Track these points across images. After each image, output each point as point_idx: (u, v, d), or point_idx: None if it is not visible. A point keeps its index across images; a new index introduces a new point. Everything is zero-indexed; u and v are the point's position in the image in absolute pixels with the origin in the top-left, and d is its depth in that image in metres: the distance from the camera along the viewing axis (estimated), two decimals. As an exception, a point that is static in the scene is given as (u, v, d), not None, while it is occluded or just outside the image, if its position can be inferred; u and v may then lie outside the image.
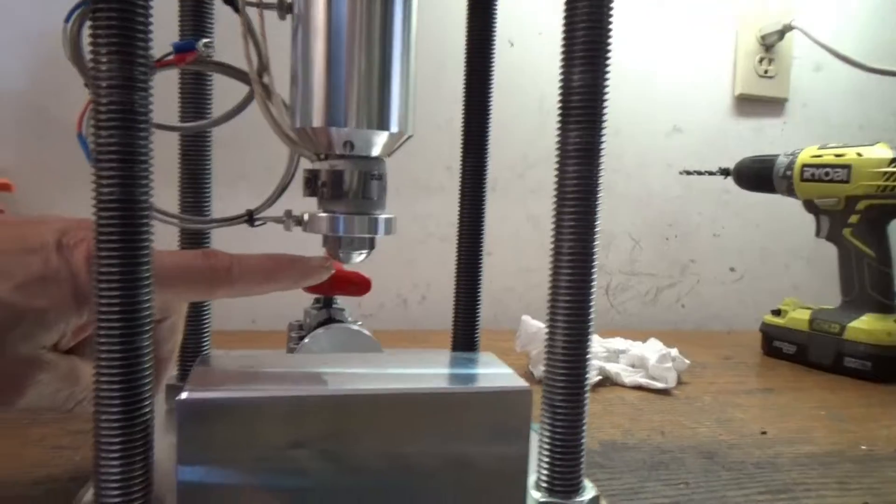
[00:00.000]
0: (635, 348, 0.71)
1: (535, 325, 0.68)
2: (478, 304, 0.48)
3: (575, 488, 0.30)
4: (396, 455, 0.27)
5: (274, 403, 0.25)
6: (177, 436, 0.25)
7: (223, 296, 0.32)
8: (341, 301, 0.55)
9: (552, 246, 0.30)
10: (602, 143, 0.29)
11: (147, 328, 0.25)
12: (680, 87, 1.03)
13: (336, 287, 0.49)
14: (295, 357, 0.35)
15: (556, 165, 0.29)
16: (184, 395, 0.25)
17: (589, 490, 0.30)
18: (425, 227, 0.94)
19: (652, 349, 0.69)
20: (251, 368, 0.29)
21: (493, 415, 0.28)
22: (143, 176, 0.25)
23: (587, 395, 0.30)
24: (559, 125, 0.29)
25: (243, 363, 0.29)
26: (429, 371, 0.30)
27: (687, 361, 0.68)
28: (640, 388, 0.65)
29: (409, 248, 0.93)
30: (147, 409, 0.26)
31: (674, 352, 0.68)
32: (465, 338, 0.48)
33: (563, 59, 0.29)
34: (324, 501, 0.26)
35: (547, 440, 0.30)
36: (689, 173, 0.94)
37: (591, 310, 0.30)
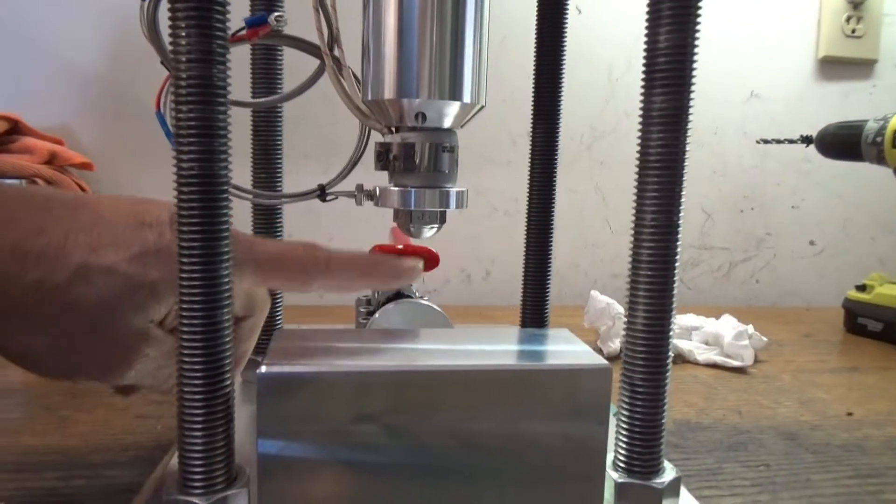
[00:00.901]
0: (709, 325, 0.68)
1: (604, 301, 0.67)
2: (548, 280, 0.47)
3: (654, 469, 0.29)
4: (472, 433, 0.26)
5: (351, 377, 0.25)
6: (257, 408, 0.25)
7: (318, 289, 0.33)
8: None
9: (633, 217, 0.29)
10: (690, 108, 0.27)
11: (227, 303, 0.26)
12: (758, 49, 0.97)
13: (405, 261, 0.49)
14: (368, 332, 0.35)
15: (640, 132, 0.28)
16: (263, 369, 0.25)
17: (669, 471, 0.29)
18: (490, 202, 0.93)
19: (727, 326, 0.67)
20: (327, 343, 0.29)
21: (570, 393, 0.27)
22: (222, 150, 0.25)
23: (668, 373, 0.29)
24: (643, 89, 0.27)
25: (318, 338, 0.30)
26: (503, 347, 0.30)
27: (764, 339, 0.65)
28: (714, 366, 0.63)
29: (474, 224, 0.92)
30: (227, 382, 0.26)
31: (750, 328, 0.66)
32: (534, 314, 0.47)
33: (649, 18, 0.27)
34: (397, 478, 0.26)
35: (625, 419, 0.29)
36: (766, 142, 0.89)
37: (674, 286, 0.28)
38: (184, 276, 0.25)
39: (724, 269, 1.01)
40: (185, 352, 0.25)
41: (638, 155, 0.28)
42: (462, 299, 0.93)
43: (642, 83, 0.28)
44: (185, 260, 0.25)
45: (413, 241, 0.45)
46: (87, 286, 0.28)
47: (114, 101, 0.85)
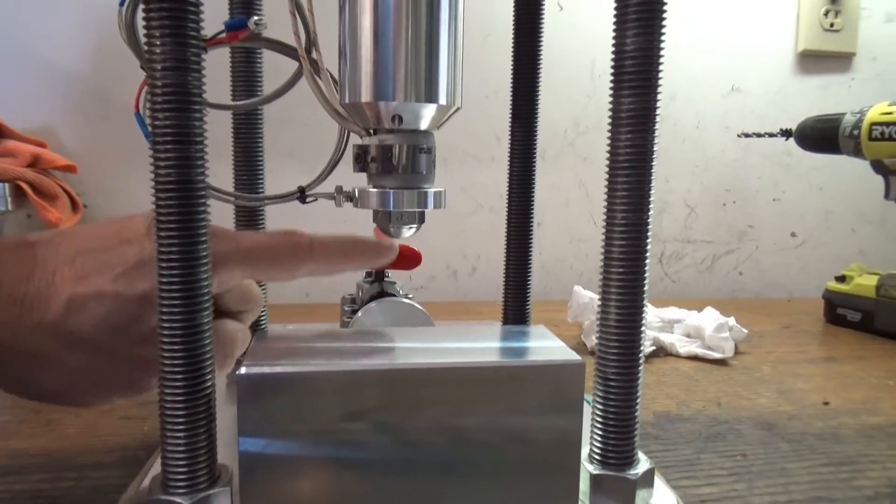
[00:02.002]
0: (691, 318, 0.69)
1: (587, 296, 0.67)
2: (528, 276, 0.47)
3: (629, 461, 0.30)
4: (450, 428, 0.27)
5: (331, 377, 0.26)
6: (237, 408, 0.25)
7: (304, 274, 0.33)
8: (392, 275, 0.55)
9: (605, 215, 0.29)
10: (657, 108, 0.28)
11: (206, 304, 0.26)
12: (738, 44, 0.98)
13: (387, 260, 0.49)
14: (349, 331, 0.36)
15: (609, 132, 0.28)
16: (243, 370, 0.25)
17: (643, 462, 0.30)
18: (475, 199, 0.94)
19: (708, 318, 0.68)
20: (307, 343, 0.29)
21: (545, 388, 0.28)
22: (198, 157, 0.25)
23: (641, 366, 0.30)
24: (612, 91, 0.28)
25: (300, 338, 0.30)
26: (481, 345, 0.30)
27: (745, 330, 0.67)
28: (695, 358, 0.64)
29: (459, 220, 0.93)
30: (209, 383, 0.26)
31: (731, 321, 0.67)
32: (515, 310, 0.48)
33: (616, 22, 0.28)
34: (379, 474, 0.27)
35: (600, 412, 0.30)
36: (747, 136, 0.90)
37: (645, 281, 0.29)
38: (163, 279, 0.25)
39: (707, 262, 1.02)
40: (166, 353, 0.26)
41: (607, 155, 0.29)
42: (448, 295, 0.94)
43: (611, 86, 0.28)
44: (163, 264, 0.25)
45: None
46: (81, 314, 0.29)
47: (97, 103, 0.85)
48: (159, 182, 0.25)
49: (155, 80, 0.25)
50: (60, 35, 0.83)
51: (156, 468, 0.36)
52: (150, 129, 0.32)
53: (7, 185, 0.70)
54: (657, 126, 0.28)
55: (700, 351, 0.64)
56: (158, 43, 0.24)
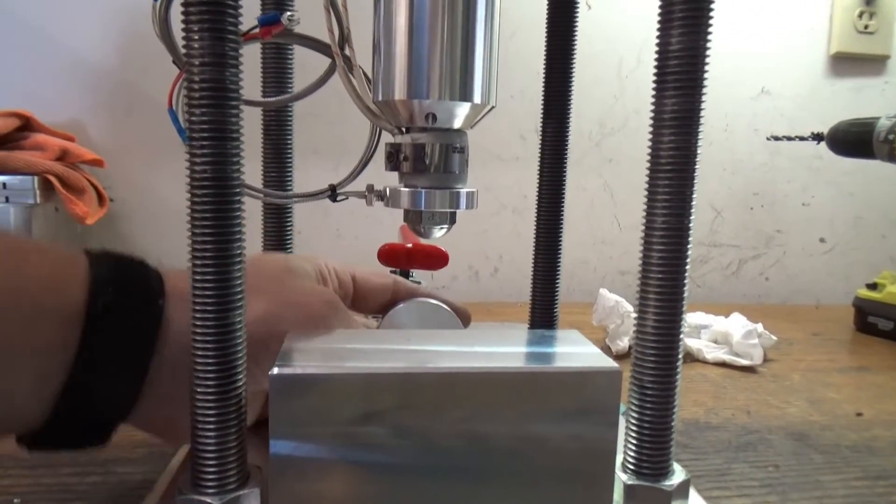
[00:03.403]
0: (718, 323, 0.68)
1: (613, 299, 0.66)
2: (557, 279, 0.47)
3: (664, 471, 0.29)
4: (481, 434, 0.26)
5: (364, 379, 0.26)
6: (269, 409, 0.25)
7: None
8: (416, 274, 0.55)
9: (644, 219, 0.28)
10: (702, 110, 0.27)
11: (239, 304, 0.26)
12: (769, 45, 0.97)
13: (414, 260, 0.49)
14: (378, 333, 0.35)
15: (651, 133, 0.28)
16: (275, 370, 0.25)
17: (678, 473, 0.29)
18: (498, 199, 0.93)
19: (736, 324, 0.66)
20: (340, 344, 0.29)
21: (580, 395, 0.27)
22: (234, 153, 0.25)
23: (679, 375, 0.29)
24: (654, 91, 0.27)
25: (330, 340, 0.30)
26: (513, 349, 0.30)
27: (773, 337, 0.65)
28: (723, 364, 0.63)
29: (482, 220, 0.92)
30: (240, 382, 0.26)
31: (759, 327, 0.65)
32: (542, 312, 0.47)
33: (661, 21, 0.27)
34: (409, 479, 0.26)
35: (635, 421, 0.29)
36: (777, 139, 0.88)
37: (685, 288, 0.28)
38: (196, 277, 0.25)
39: (733, 267, 1.00)
40: (198, 352, 0.25)
41: (648, 156, 0.28)
42: (470, 296, 0.93)
43: (653, 85, 0.28)
44: (197, 262, 0.25)
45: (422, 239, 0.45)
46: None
47: (124, 98, 0.85)
48: (195, 178, 0.25)
49: (193, 76, 0.24)
50: (88, 30, 0.84)
51: (179, 465, 0.36)
52: (185, 124, 0.31)
53: (36, 178, 0.71)
54: (701, 130, 0.27)
55: (728, 357, 0.63)
56: (197, 38, 0.24)
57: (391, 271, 0.53)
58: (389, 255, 0.48)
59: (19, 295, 0.25)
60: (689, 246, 0.28)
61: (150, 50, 0.82)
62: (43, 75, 0.84)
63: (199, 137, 0.24)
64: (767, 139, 0.89)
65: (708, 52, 0.27)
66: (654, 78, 0.28)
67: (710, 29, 0.27)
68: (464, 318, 0.41)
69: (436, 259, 0.49)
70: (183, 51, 0.25)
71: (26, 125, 0.76)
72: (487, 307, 0.87)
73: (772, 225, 1.00)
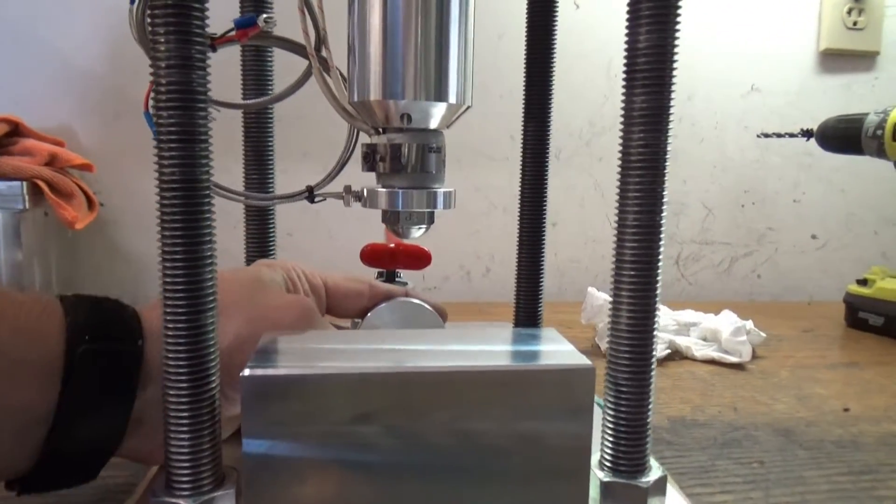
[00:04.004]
0: (707, 321, 0.68)
1: (602, 298, 0.66)
2: (541, 277, 0.47)
3: (640, 468, 0.29)
4: (458, 432, 0.26)
5: (337, 379, 0.26)
6: (241, 410, 0.25)
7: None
8: (405, 275, 0.55)
9: (616, 216, 0.29)
10: (670, 107, 0.27)
11: (211, 305, 0.26)
12: (758, 43, 0.97)
13: (398, 260, 0.49)
14: (358, 333, 0.35)
15: (621, 132, 0.28)
16: (247, 372, 0.25)
17: (655, 470, 0.30)
18: (489, 199, 0.93)
19: (725, 321, 0.66)
20: (315, 344, 0.29)
21: (555, 393, 0.27)
22: (203, 155, 0.25)
23: (653, 372, 0.29)
24: (624, 89, 0.27)
25: (307, 339, 0.30)
26: (490, 348, 0.30)
27: (763, 334, 0.65)
28: (711, 362, 0.63)
29: (473, 220, 0.92)
30: (213, 384, 0.26)
31: (748, 324, 0.65)
32: (527, 311, 0.47)
33: (629, 18, 0.27)
34: (386, 478, 0.26)
35: (611, 418, 0.29)
36: (767, 136, 0.88)
37: (657, 284, 0.28)
38: (167, 279, 0.25)
39: (724, 264, 1.01)
40: (170, 354, 0.25)
41: (619, 154, 0.28)
42: (462, 296, 0.93)
43: (623, 84, 0.28)
44: (168, 264, 0.25)
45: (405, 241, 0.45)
46: None
47: (113, 102, 0.85)
48: (164, 180, 0.25)
49: (159, 79, 0.24)
50: (77, 36, 0.84)
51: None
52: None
53: (25, 183, 0.71)
54: (672, 126, 0.27)
55: (716, 355, 0.63)
56: (163, 41, 0.24)
57: (378, 273, 0.53)
58: (372, 256, 0.48)
59: None
60: (661, 243, 0.28)
61: (139, 54, 0.82)
62: (32, 80, 0.84)
63: (166, 140, 0.25)
64: (758, 136, 0.89)
65: (676, 49, 0.27)
66: (624, 76, 0.28)
67: (677, 27, 0.27)
68: (441, 315, 0.41)
69: (419, 259, 0.49)
70: (151, 54, 0.25)
71: (15, 130, 0.76)
72: (479, 307, 0.87)
73: (763, 222, 1.01)
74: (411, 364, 0.27)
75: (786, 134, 0.86)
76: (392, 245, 0.48)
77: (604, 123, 0.94)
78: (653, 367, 0.29)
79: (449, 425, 0.26)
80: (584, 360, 0.27)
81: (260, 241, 0.44)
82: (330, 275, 0.37)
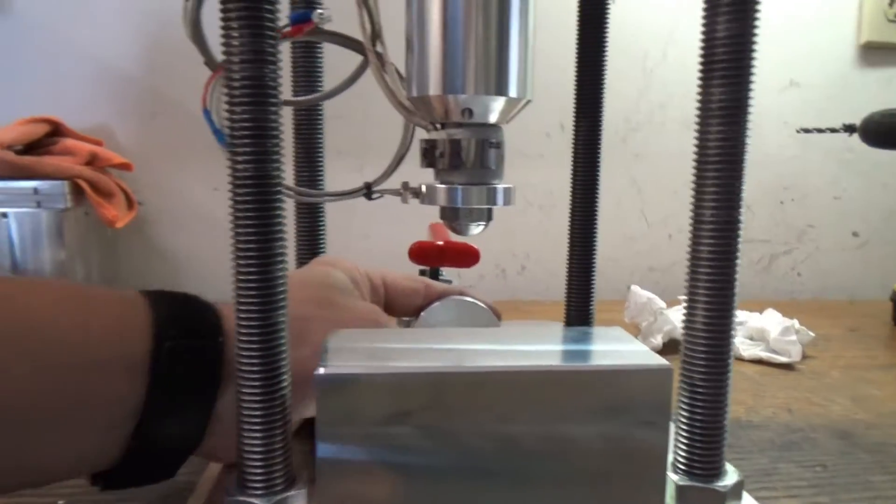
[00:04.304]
0: (753, 320, 0.67)
1: (645, 296, 0.65)
2: (592, 276, 0.46)
3: (716, 471, 0.28)
4: (531, 434, 0.26)
5: (413, 378, 0.25)
6: (316, 409, 0.25)
7: None
8: (446, 273, 0.54)
9: (692, 213, 0.28)
10: (750, 99, 0.26)
11: (282, 304, 0.25)
12: (797, 36, 0.95)
13: (445, 258, 0.49)
14: (422, 331, 0.35)
15: (697, 125, 0.27)
16: (321, 370, 0.25)
17: (731, 474, 0.29)
18: (524, 197, 0.92)
19: (772, 321, 0.65)
20: (384, 343, 0.28)
21: (631, 394, 0.26)
22: (274, 151, 0.25)
23: (730, 374, 0.28)
24: (701, 81, 0.27)
25: (373, 339, 0.29)
26: (560, 347, 0.29)
27: (811, 334, 0.64)
28: (759, 361, 0.62)
29: (508, 218, 0.92)
30: (285, 384, 0.26)
31: (796, 323, 0.64)
32: (578, 310, 0.46)
33: (706, 7, 0.26)
34: (456, 480, 0.26)
35: (685, 421, 0.28)
36: (807, 131, 0.86)
37: (735, 283, 0.28)
38: (240, 277, 0.25)
39: (764, 262, 0.99)
40: (243, 353, 0.25)
41: (695, 149, 0.27)
42: (497, 294, 0.92)
43: (699, 76, 0.27)
44: (241, 262, 0.25)
45: (452, 237, 0.44)
46: None
47: (149, 102, 0.86)
48: (237, 178, 0.24)
49: (232, 73, 0.24)
50: (115, 36, 0.85)
51: (218, 466, 0.36)
52: (220, 124, 0.31)
53: (66, 182, 0.71)
54: (750, 120, 0.27)
55: (765, 354, 0.62)
56: (236, 35, 0.24)
57: (420, 270, 0.53)
58: (421, 254, 0.47)
59: (86, 349, 0.25)
60: (739, 240, 0.27)
61: (175, 54, 0.83)
62: (70, 81, 0.85)
63: (239, 136, 0.24)
64: (797, 132, 0.88)
65: (756, 39, 0.26)
66: (700, 67, 0.27)
67: (757, 14, 0.26)
68: (496, 314, 0.41)
69: (467, 256, 0.48)
70: (221, 49, 0.24)
71: (55, 131, 0.77)
72: (515, 305, 0.86)
73: (803, 219, 0.99)
74: (489, 364, 0.26)
75: (826, 129, 0.84)
76: (440, 243, 0.47)
77: (639, 119, 0.93)
78: (730, 368, 0.28)
79: (524, 427, 0.26)
80: (661, 361, 0.27)
81: (310, 238, 0.44)
82: (387, 273, 0.37)
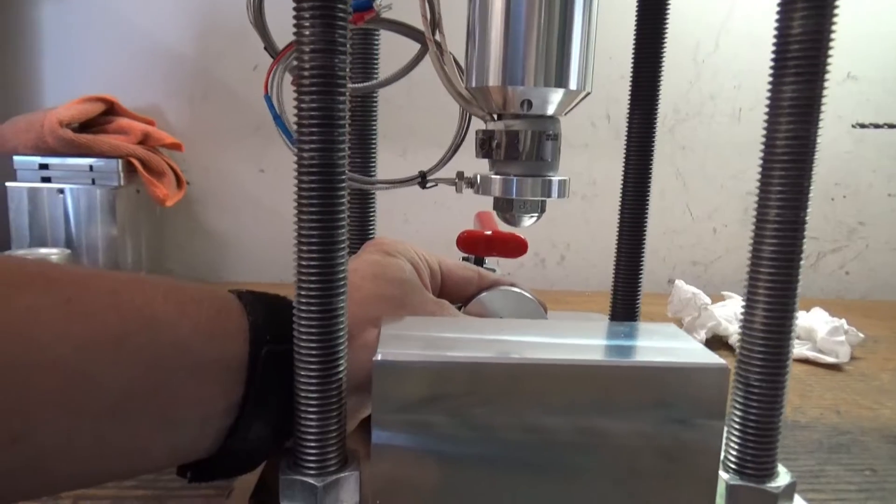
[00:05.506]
0: (800, 318, 0.65)
1: (690, 291, 0.65)
2: (640, 269, 0.46)
3: (769, 472, 0.28)
4: (583, 428, 0.26)
5: (467, 367, 0.26)
6: (372, 394, 0.25)
7: None
8: (488, 262, 0.55)
9: (755, 211, 0.27)
10: (823, 97, 0.26)
11: (342, 290, 0.26)
12: (854, 27, 0.91)
13: (493, 248, 0.49)
14: (474, 321, 0.35)
15: (766, 122, 0.26)
16: (379, 357, 0.25)
17: (783, 475, 0.28)
18: (566, 185, 0.91)
19: (819, 320, 0.64)
20: (436, 332, 0.29)
21: (688, 392, 0.26)
22: (341, 140, 0.25)
23: (787, 375, 0.28)
24: (772, 77, 0.26)
25: (426, 327, 0.30)
26: (616, 342, 0.29)
27: (861, 335, 0.62)
28: (806, 361, 0.61)
29: (549, 207, 0.91)
30: (342, 367, 0.26)
31: (844, 323, 0.63)
32: (624, 303, 0.46)
33: (781, 3, 0.26)
34: (508, 470, 0.26)
35: (739, 420, 0.28)
36: (863, 126, 0.84)
37: (797, 283, 0.27)
38: (302, 262, 0.25)
39: (811, 260, 0.96)
40: (303, 337, 0.26)
41: (762, 145, 0.27)
42: (536, 284, 0.93)
43: (771, 71, 0.26)
44: (304, 247, 0.25)
45: (500, 226, 0.44)
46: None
47: (200, 84, 0.87)
48: (303, 165, 0.25)
49: (303, 62, 0.24)
50: (168, 18, 0.86)
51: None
52: (279, 109, 0.32)
53: (120, 161, 0.73)
54: (822, 118, 0.26)
55: (812, 354, 0.60)
56: (308, 24, 0.24)
57: (463, 258, 0.53)
58: (469, 243, 0.47)
59: (182, 349, 0.26)
60: (803, 240, 0.27)
61: (227, 37, 0.84)
62: (123, 61, 0.87)
63: (308, 124, 0.25)
64: (853, 126, 0.85)
65: (833, 36, 0.25)
66: (772, 63, 0.26)
67: (836, 10, 0.25)
68: (542, 306, 0.41)
69: (514, 246, 0.48)
70: (293, 37, 0.25)
71: (110, 109, 0.78)
72: (554, 295, 0.86)
73: (854, 216, 0.96)
74: (544, 356, 0.26)
75: (884, 125, 0.81)
76: (488, 232, 0.48)
77: (689, 110, 0.91)
78: (788, 370, 0.27)
79: (576, 421, 0.26)
80: (717, 360, 0.26)
81: (361, 224, 0.44)
82: (443, 259, 0.37)
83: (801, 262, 0.27)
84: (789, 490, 0.28)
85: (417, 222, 0.91)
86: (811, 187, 0.27)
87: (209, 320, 0.26)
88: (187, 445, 0.27)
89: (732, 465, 0.28)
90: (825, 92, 0.23)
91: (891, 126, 0.80)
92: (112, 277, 0.26)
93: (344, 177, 0.26)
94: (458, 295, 0.38)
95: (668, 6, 0.43)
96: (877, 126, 0.82)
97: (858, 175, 0.95)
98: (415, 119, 0.86)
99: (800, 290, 0.27)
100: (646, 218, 0.45)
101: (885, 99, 0.92)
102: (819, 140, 0.26)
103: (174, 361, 0.25)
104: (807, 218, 0.27)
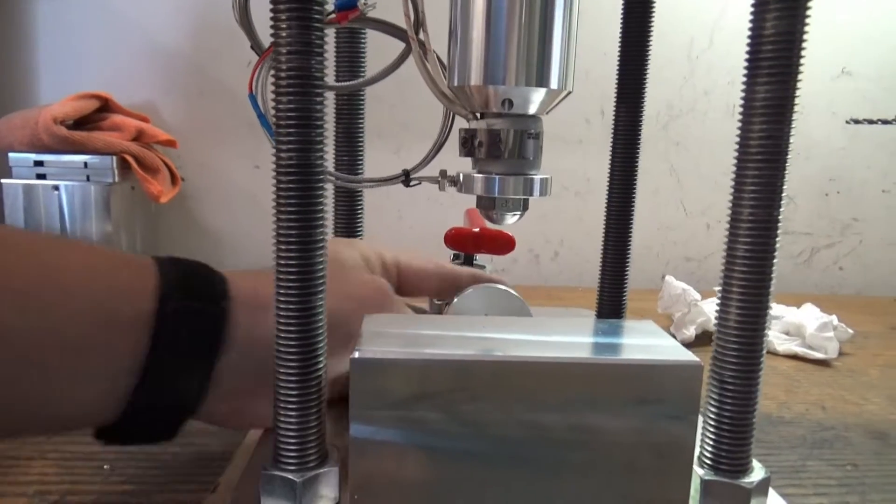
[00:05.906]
0: (790, 314, 0.66)
1: (680, 287, 0.65)
2: (626, 266, 0.46)
3: (743, 467, 0.28)
4: (558, 425, 0.26)
5: (446, 365, 0.26)
6: (350, 391, 0.26)
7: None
8: (479, 258, 0.55)
9: (729, 209, 0.28)
10: (796, 98, 0.26)
11: (321, 288, 0.26)
12: (849, 23, 0.91)
13: (481, 245, 0.49)
14: (454, 319, 0.35)
15: (740, 122, 0.27)
16: (357, 354, 0.26)
17: (758, 470, 0.29)
18: (560, 182, 0.92)
19: (809, 316, 0.64)
20: (416, 330, 0.29)
21: (660, 389, 0.26)
22: (318, 140, 0.25)
23: (761, 372, 0.28)
24: (746, 77, 0.26)
25: (407, 324, 0.30)
26: (592, 339, 0.29)
27: (850, 331, 0.63)
28: (794, 357, 0.61)
29: (543, 203, 0.91)
30: (321, 363, 0.27)
31: (834, 319, 0.63)
32: (610, 300, 0.46)
33: (755, 3, 0.26)
34: (486, 466, 0.27)
35: (713, 415, 0.28)
36: (858, 122, 0.84)
37: (771, 281, 0.27)
38: (280, 261, 0.26)
39: (805, 255, 0.97)
40: (281, 334, 0.26)
41: (737, 145, 0.27)
42: (530, 279, 0.93)
43: (744, 72, 0.27)
44: (282, 245, 0.26)
45: (488, 224, 0.45)
46: None
47: (196, 81, 0.88)
48: (281, 164, 0.25)
49: (279, 63, 0.25)
50: (163, 15, 0.86)
51: (254, 438, 0.37)
52: (263, 108, 0.32)
53: (114, 157, 0.74)
54: (795, 118, 0.26)
55: (800, 350, 0.61)
56: (284, 26, 0.24)
57: (454, 255, 0.53)
58: (457, 240, 0.48)
59: (93, 305, 0.26)
60: (777, 238, 0.27)
61: (222, 35, 0.84)
62: (119, 58, 0.87)
63: (285, 125, 0.25)
64: (847, 122, 0.85)
65: (805, 37, 0.26)
66: (746, 63, 0.26)
67: (808, 11, 0.25)
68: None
69: (502, 243, 0.49)
70: (270, 37, 0.25)
71: (105, 106, 0.79)
72: (547, 291, 0.86)
73: (848, 212, 0.96)
74: (521, 353, 0.27)
75: (878, 120, 0.82)
76: (476, 229, 0.48)
77: (682, 106, 0.91)
78: (761, 366, 0.28)
79: (552, 418, 0.26)
80: (691, 357, 0.27)
81: (348, 221, 0.45)
82: (402, 254, 0.38)
83: (775, 261, 0.27)
84: (763, 485, 0.28)
85: (411, 219, 0.91)
86: (785, 186, 0.27)
87: (122, 280, 0.27)
88: (99, 402, 0.27)
89: (707, 461, 0.29)
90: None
91: (885, 122, 0.80)
92: (31, 236, 0.27)
93: (322, 176, 0.26)
94: (420, 288, 0.38)
95: (654, 1, 0.43)
96: (871, 122, 0.82)
97: (853, 171, 0.95)
98: (408, 117, 0.87)
99: (773, 287, 0.28)
100: (632, 214, 0.45)
101: (880, 95, 0.92)
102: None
103: (84, 317, 0.26)
104: (780, 217, 0.27)
